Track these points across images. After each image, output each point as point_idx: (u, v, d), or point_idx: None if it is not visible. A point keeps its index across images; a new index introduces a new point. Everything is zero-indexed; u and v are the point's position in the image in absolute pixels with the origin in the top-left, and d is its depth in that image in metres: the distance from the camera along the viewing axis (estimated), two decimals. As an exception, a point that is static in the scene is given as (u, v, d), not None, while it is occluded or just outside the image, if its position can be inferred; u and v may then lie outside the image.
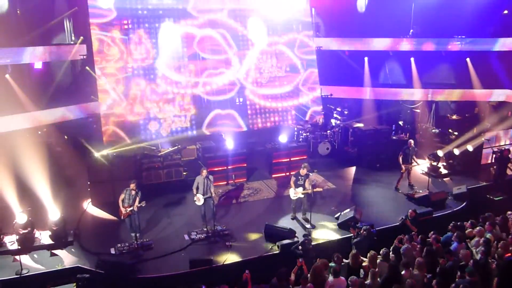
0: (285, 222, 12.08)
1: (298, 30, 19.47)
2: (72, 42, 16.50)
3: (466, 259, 8.73)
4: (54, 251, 10.63)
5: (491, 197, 13.47)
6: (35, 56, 15.07)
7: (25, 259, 10.11)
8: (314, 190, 12.01)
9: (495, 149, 15.08)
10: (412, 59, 20.08)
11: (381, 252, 9.06)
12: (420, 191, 13.73)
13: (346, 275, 8.43)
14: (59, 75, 16.04)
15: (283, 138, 15.85)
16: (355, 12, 19.20)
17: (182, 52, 17.47)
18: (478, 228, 10.13)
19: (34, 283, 9.57)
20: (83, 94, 16.54)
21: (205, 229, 11.50)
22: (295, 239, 10.80)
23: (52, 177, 12.83)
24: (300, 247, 10.05)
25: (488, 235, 9.69)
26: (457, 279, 7.95)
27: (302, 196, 11.94)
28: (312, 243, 10.21)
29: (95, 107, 16.46)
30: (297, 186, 11.94)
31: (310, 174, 12.23)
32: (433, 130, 18.50)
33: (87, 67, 16.17)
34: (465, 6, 17.70)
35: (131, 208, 10.77)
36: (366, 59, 20.51)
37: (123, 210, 10.84)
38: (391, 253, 9.27)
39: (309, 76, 19.65)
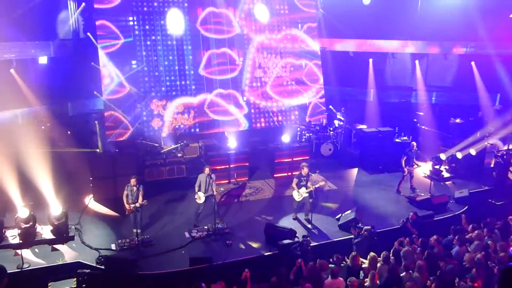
0: (286, 222, 12.09)
1: (302, 21, 19.41)
2: (77, 37, 16.55)
3: (470, 263, 8.73)
4: (55, 246, 10.66)
5: (493, 201, 13.44)
6: (39, 51, 15.12)
7: (26, 253, 10.16)
8: (316, 186, 12.08)
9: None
10: (417, 62, 20.08)
11: (381, 255, 9.06)
12: (422, 194, 13.70)
13: (345, 276, 8.44)
14: (63, 70, 16.07)
15: (285, 138, 15.86)
16: (360, 13, 19.18)
17: (186, 40, 17.47)
18: (476, 232, 10.13)
19: (35, 278, 9.60)
20: (87, 89, 16.58)
21: (196, 226, 11.60)
22: (296, 239, 10.80)
23: (54, 172, 12.88)
24: (298, 248, 10.05)
25: (489, 242, 9.68)
26: (456, 284, 7.95)
27: (307, 195, 11.93)
28: (312, 244, 10.22)
29: (99, 102, 16.51)
30: (299, 187, 11.94)
31: (312, 174, 12.22)
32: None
33: (92, 63, 16.20)
34: (470, 9, 17.68)
35: (134, 204, 10.81)
36: (370, 60, 20.51)
37: (127, 206, 10.89)
38: (391, 255, 9.28)
39: (311, 70, 19.56)
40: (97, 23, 16.08)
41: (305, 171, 11.94)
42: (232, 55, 18.11)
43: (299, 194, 11.94)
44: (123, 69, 16.47)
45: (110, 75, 16.30)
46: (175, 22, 17.13)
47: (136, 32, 16.72)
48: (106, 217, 12.41)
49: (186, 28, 17.37)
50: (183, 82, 17.42)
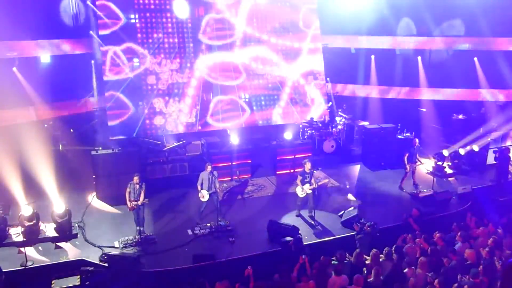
0: (289, 219, 12.10)
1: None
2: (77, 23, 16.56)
3: (471, 259, 8.72)
4: (58, 244, 10.71)
5: (496, 197, 13.40)
6: (42, 50, 15.13)
7: (30, 251, 10.20)
8: (320, 183, 12.07)
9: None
10: (419, 58, 20.00)
11: (384, 251, 9.07)
12: (425, 190, 13.71)
13: (348, 273, 8.45)
14: (66, 68, 16.08)
15: (288, 135, 15.86)
16: (361, 10, 19.16)
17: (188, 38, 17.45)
18: (482, 228, 10.11)
19: (39, 275, 9.63)
20: (89, 87, 16.59)
21: (199, 224, 11.64)
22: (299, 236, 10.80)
23: (57, 170, 12.92)
24: (293, 246, 10.06)
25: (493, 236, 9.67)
26: (459, 280, 7.95)
27: (310, 192, 11.94)
28: (315, 241, 10.22)
29: (102, 100, 16.50)
30: (303, 183, 11.94)
31: (314, 171, 12.22)
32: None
33: (92, 61, 16.20)
34: (473, 5, 17.64)
35: (136, 202, 10.84)
36: (372, 57, 20.45)
37: (129, 204, 10.92)
38: (393, 251, 9.28)
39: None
40: (97, 2, 16.08)
41: (307, 166, 11.93)
42: (230, 21, 18.01)
43: (302, 191, 11.95)
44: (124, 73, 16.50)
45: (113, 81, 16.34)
46: (180, 12, 17.14)
47: (138, 30, 16.71)
48: (109, 215, 12.45)
49: (188, 17, 17.36)
50: (185, 80, 17.40)
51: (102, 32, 16.08)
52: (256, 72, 18.50)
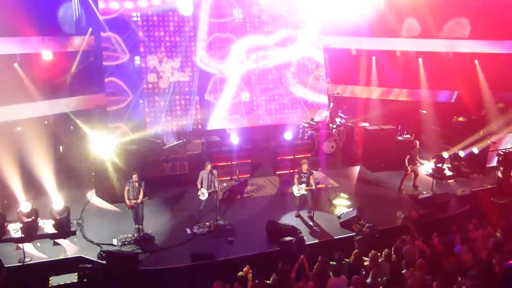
0: (289, 219, 12.08)
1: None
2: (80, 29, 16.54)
3: (468, 261, 8.71)
4: (57, 241, 10.71)
5: (496, 200, 13.40)
6: (43, 46, 15.10)
7: (28, 247, 10.19)
8: (317, 186, 12.05)
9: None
10: (420, 60, 19.97)
11: (383, 253, 9.06)
12: (424, 192, 13.69)
13: (347, 274, 8.44)
14: (67, 65, 16.05)
15: (288, 135, 15.85)
16: (362, 10, 19.15)
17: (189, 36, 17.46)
18: (480, 231, 10.10)
19: (37, 272, 9.63)
20: (90, 85, 16.57)
21: (198, 223, 11.64)
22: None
23: (57, 166, 12.91)
24: (295, 245, 10.05)
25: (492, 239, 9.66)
26: (457, 282, 7.93)
27: (306, 192, 11.92)
28: (314, 241, 10.21)
29: (102, 98, 16.48)
30: (300, 183, 11.93)
31: (314, 172, 12.22)
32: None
33: (91, 58, 16.18)
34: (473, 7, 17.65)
35: (135, 201, 10.83)
36: (373, 58, 20.42)
37: (128, 202, 10.91)
38: (393, 253, 9.27)
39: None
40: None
41: (304, 167, 11.94)
42: (232, 11, 18.01)
43: (298, 190, 11.94)
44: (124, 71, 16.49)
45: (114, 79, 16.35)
46: (183, 9, 17.16)
47: (140, 34, 16.69)
48: (108, 212, 12.45)
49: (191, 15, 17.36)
50: (186, 78, 17.38)
51: (104, 17, 16.09)
52: (256, 64, 18.48)
